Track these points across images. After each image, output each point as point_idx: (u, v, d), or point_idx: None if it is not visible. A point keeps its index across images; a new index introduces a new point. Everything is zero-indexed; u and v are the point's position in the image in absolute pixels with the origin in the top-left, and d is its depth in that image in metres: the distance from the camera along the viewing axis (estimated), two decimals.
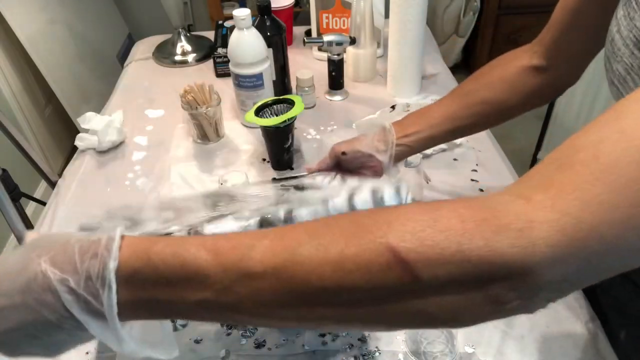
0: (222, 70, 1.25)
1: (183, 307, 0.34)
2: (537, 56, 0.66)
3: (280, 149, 0.92)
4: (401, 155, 0.71)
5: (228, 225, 0.49)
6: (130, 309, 0.33)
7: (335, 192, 0.51)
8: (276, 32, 1.04)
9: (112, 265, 0.32)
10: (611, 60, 0.52)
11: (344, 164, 0.73)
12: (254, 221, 0.50)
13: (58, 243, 0.34)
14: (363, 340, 0.64)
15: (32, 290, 0.33)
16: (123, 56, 2.03)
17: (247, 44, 0.97)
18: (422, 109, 0.72)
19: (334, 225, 0.34)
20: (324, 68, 1.14)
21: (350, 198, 0.51)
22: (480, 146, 0.97)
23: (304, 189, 0.61)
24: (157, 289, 0.33)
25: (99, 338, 0.34)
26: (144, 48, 1.44)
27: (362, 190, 0.52)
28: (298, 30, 1.42)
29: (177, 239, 0.35)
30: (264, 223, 0.50)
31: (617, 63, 0.51)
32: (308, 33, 1.36)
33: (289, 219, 0.50)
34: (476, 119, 0.69)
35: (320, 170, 0.75)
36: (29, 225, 1.03)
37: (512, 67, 0.67)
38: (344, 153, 0.71)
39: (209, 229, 0.49)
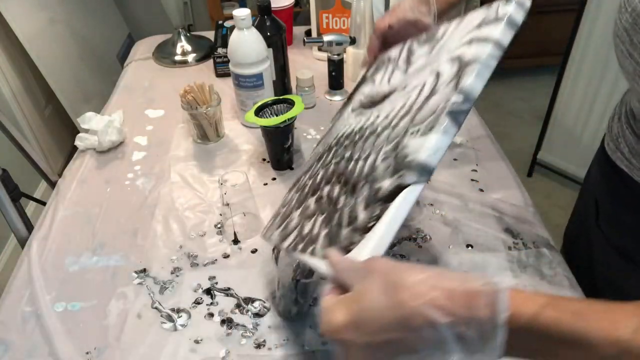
0: (222, 70, 1.25)
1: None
2: None
3: (280, 149, 0.92)
4: (441, 13, 0.68)
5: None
6: (506, 353, 0.35)
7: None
8: (276, 32, 1.04)
9: (503, 316, 0.34)
10: (630, 32, 0.52)
11: (391, 39, 0.68)
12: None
13: (429, 285, 0.36)
14: None
15: (409, 328, 0.35)
16: (123, 56, 2.04)
17: (247, 44, 0.97)
18: None
19: None
20: (324, 68, 1.14)
21: (471, 43, 0.49)
22: (480, 146, 0.97)
23: (379, 102, 0.61)
24: (538, 344, 0.35)
25: None
26: (144, 48, 1.44)
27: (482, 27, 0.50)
28: (298, 30, 1.42)
29: (562, 302, 0.36)
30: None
31: None
32: (308, 33, 1.36)
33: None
34: None
35: (375, 56, 0.70)
36: (29, 225, 1.03)
37: None
38: (390, 27, 0.67)
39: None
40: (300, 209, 0.62)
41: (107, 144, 1.01)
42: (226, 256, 0.78)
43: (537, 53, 2.49)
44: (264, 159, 0.97)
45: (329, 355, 0.63)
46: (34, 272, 0.76)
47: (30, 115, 1.95)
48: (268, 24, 1.03)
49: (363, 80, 0.74)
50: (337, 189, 0.56)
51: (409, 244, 0.77)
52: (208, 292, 0.72)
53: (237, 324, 0.67)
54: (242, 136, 1.05)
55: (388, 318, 0.36)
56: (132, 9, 2.57)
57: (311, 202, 0.61)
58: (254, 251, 0.78)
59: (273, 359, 0.63)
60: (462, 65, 0.49)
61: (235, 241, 0.79)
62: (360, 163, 0.55)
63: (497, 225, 0.79)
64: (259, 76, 1.00)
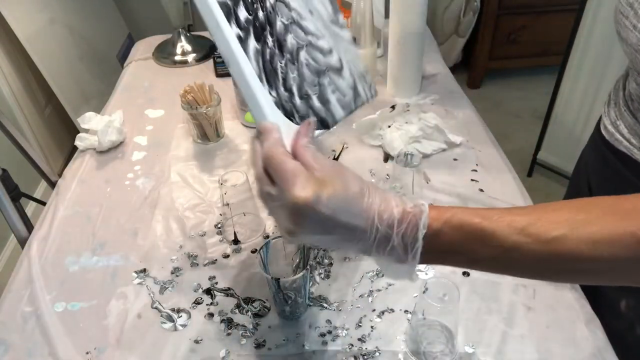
0: (222, 70, 1.25)
1: (472, 259, 0.44)
2: None
3: None
4: None
5: None
6: (425, 259, 0.44)
7: None
8: None
9: (422, 233, 0.43)
10: (635, 6, 0.55)
11: None
12: None
13: (379, 198, 0.45)
14: (363, 340, 0.64)
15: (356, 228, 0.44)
16: (123, 56, 2.04)
17: None
18: None
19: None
20: None
21: None
22: (480, 146, 0.97)
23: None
24: (452, 244, 0.43)
25: (391, 272, 0.47)
26: (144, 48, 1.44)
27: None
28: None
29: (470, 213, 0.44)
30: None
31: None
32: None
33: None
34: None
35: None
36: (29, 225, 1.03)
37: None
38: None
39: None
40: None
41: (107, 144, 1.01)
42: (226, 256, 0.78)
43: (537, 53, 2.49)
44: None
45: (329, 355, 0.63)
46: (34, 272, 0.76)
47: (30, 115, 1.95)
48: None
49: None
50: (270, 40, 0.55)
51: None
52: (208, 292, 0.72)
53: (237, 324, 0.67)
54: (242, 136, 1.05)
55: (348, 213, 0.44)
56: (132, 9, 2.57)
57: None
58: (254, 251, 0.78)
59: (273, 359, 0.63)
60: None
61: (235, 241, 0.79)
62: (290, 37, 0.56)
63: None
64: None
